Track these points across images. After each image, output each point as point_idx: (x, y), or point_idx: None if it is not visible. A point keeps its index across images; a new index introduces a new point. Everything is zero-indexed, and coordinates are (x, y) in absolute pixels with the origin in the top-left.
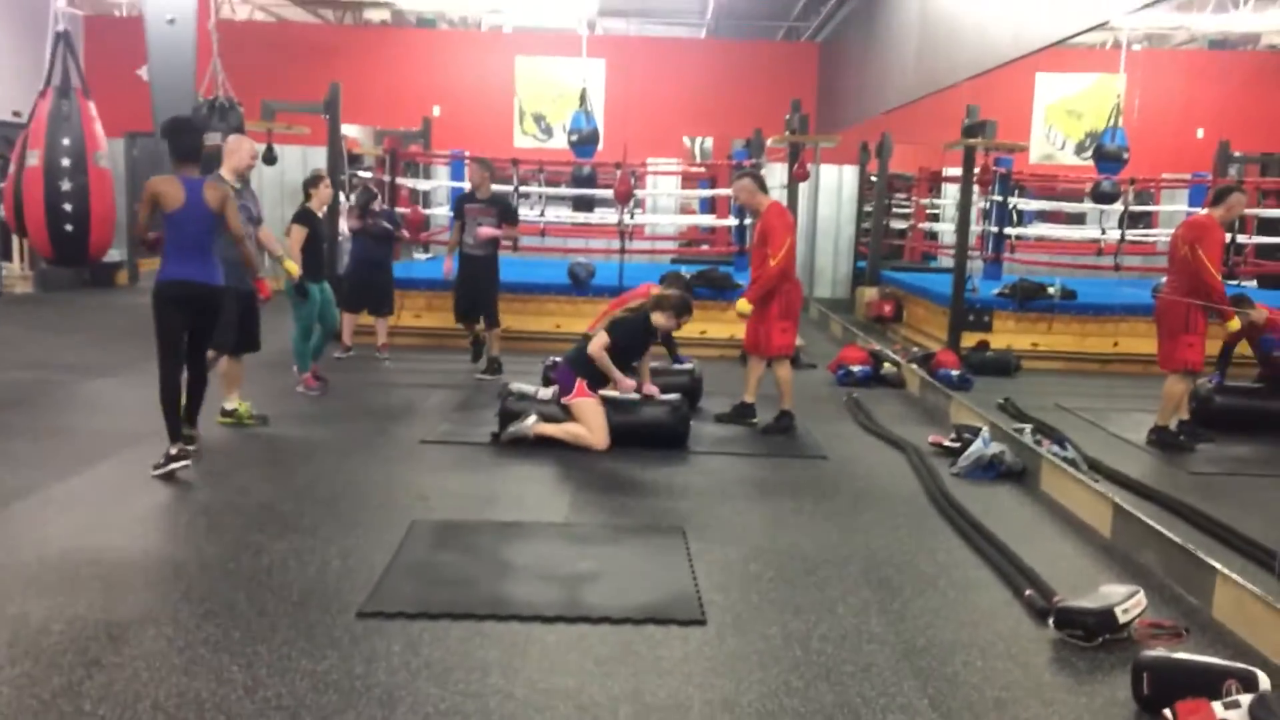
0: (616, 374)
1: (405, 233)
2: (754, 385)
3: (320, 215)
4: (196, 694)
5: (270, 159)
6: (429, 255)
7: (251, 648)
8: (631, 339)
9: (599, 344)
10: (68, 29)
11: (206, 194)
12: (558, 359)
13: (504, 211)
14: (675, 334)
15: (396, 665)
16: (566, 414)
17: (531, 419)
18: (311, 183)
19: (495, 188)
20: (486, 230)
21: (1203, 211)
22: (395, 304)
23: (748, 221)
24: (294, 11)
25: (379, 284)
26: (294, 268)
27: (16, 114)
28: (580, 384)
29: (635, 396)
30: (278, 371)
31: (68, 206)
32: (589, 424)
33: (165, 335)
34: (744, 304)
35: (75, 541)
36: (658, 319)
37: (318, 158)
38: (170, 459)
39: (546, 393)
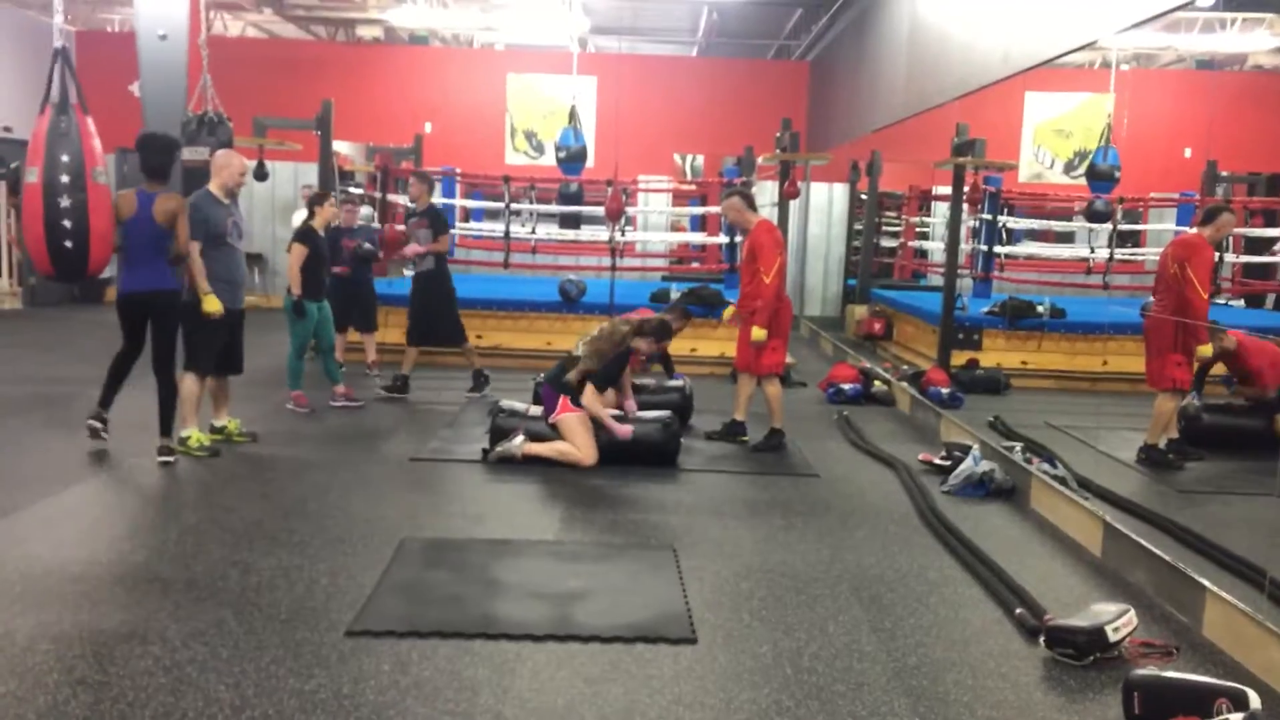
0: (610, 421)
1: (382, 254)
2: (744, 403)
3: (322, 234)
4: (183, 713)
5: (262, 175)
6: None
7: (239, 666)
8: (615, 372)
9: (591, 397)
10: (65, 45)
11: (156, 206)
12: None
13: (434, 222)
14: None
15: (385, 684)
16: (555, 432)
17: (519, 439)
18: (317, 200)
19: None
20: (411, 249)
21: (1192, 230)
22: (381, 320)
23: (738, 239)
24: (286, 28)
25: (362, 301)
26: (215, 304)
27: (8, 129)
28: (564, 400)
29: (629, 437)
30: (268, 389)
31: (67, 223)
32: (576, 440)
33: (126, 336)
34: (758, 331)
35: (61, 559)
36: (639, 344)
37: (309, 174)
38: (96, 420)
39: (537, 410)
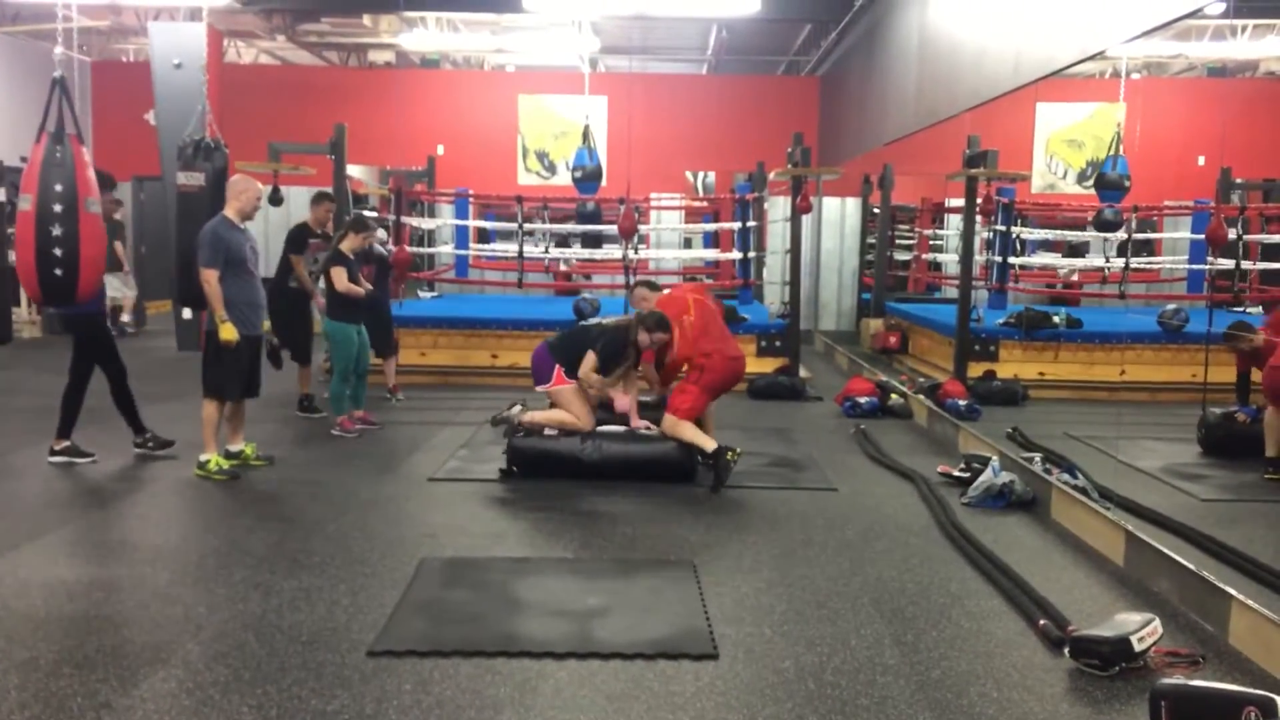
0: (603, 391)
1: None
2: (701, 432)
3: (352, 257)
4: None
5: (277, 200)
6: (434, 294)
7: (261, 688)
8: (616, 353)
9: (588, 367)
10: (64, 75)
11: None
12: None
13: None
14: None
15: (407, 704)
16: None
17: (517, 407)
18: (353, 225)
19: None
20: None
21: None
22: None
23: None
24: (299, 54)
25: (379, 324)
26: (231, 332)
27: (24, 159)
28: (558, 370)
29: (622, 429)
30: (284, 412)
31: (58, 251)
32: (572, 409)
33: None
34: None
35: (84, 584)
36: (641, 337)
37: None
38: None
39: (553, 430)
